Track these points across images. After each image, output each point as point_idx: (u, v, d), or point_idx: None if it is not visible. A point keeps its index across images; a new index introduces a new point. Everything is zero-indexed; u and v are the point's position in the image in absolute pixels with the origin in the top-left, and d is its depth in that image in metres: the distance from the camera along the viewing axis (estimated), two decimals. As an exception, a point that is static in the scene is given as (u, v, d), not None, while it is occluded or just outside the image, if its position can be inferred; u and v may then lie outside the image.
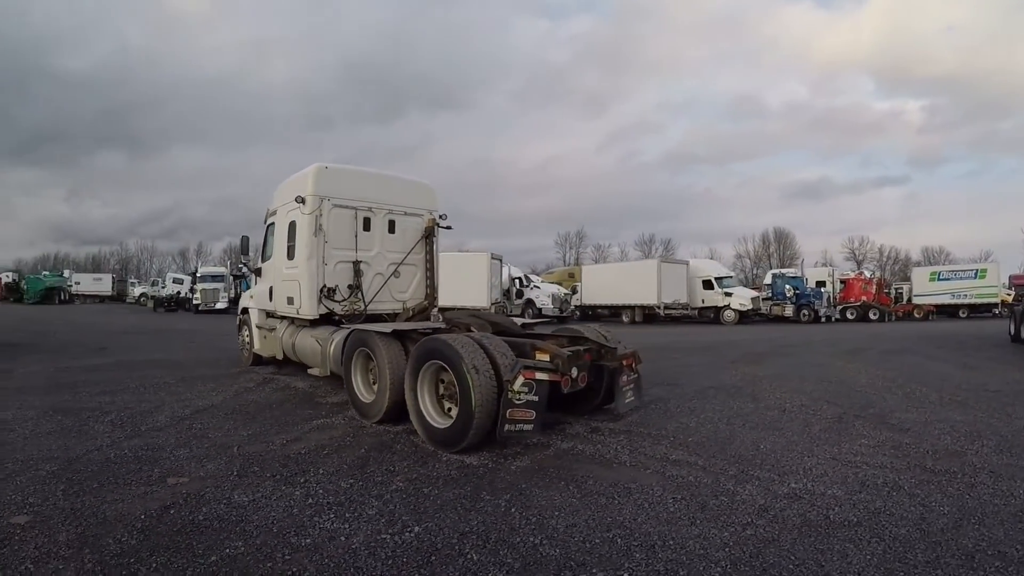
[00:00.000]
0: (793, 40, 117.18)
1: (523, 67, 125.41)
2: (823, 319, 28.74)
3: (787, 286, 29.87)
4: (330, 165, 7.90)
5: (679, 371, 9.63)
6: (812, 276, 32.64)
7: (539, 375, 4.59)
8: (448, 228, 9.07)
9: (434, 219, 8.75)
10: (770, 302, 30.26)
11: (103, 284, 56.39)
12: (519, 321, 7.23)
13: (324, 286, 7.69)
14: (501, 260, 26.58)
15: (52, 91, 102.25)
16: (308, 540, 3.17)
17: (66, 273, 52.99)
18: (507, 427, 4.37)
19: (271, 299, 8.84)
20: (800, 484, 3.95)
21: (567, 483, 3.98)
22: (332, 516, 3.51)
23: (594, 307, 31.10)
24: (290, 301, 8.12)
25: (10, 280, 47.10)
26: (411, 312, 8.07)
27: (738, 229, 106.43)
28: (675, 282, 27.96)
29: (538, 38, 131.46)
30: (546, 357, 4.89)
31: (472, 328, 6.04)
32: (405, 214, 8.58)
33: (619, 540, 3.06)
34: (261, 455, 4.85)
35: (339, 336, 6.87)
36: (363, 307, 7.93)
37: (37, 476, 4.27)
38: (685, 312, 28.71)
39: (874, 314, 30.45)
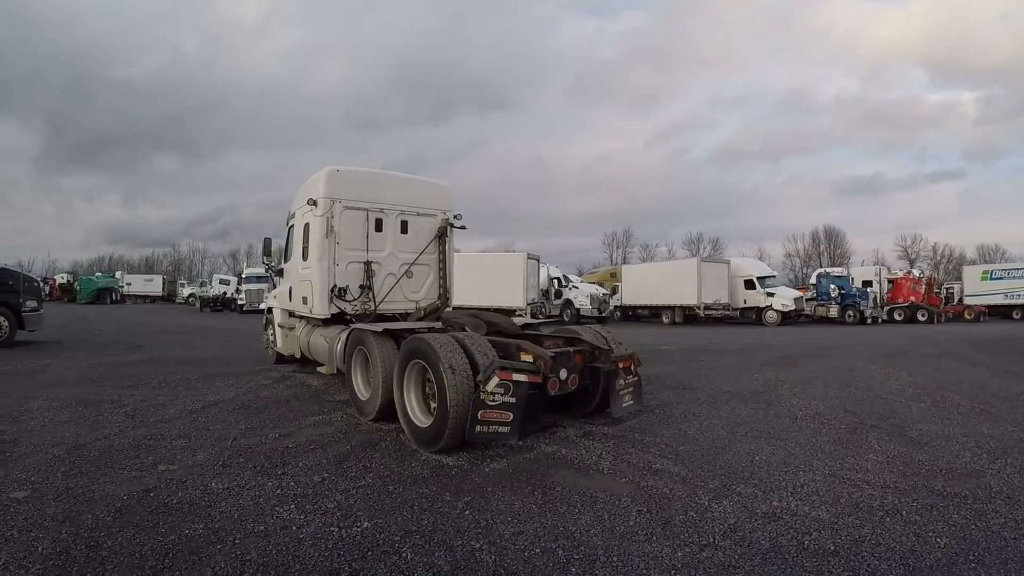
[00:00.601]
0: (842, 32, 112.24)
1: (573, 66, 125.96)
2: (868, 320, 27.44)
3: (832, 286, 28.68)
4: (342, 168, 8.12)
5: (701, 374, 9.32)
6: (859, 275, 31.31)
7: (517, 376, 4.52)
8: (462, 228, 9.13)
9: (447, 219, 8.83)
10: (814, 303, 29.16)
11: (154, 285, 59.70)
12: (519, 321, 7.21)
13: (335, 286, 7.90)
14: (539, 260, 26.55)
15: (111, 99, 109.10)
16: (262, 527, 3.32)
17: (118, 274, 56.31)
18: (478, 428, 4.34)
19: (291, 299, 9.18)
20: (783, 503, 3.71)
21: (534, 488, 3.93)
22: (293, 507, 3.62)
23: (634, 307, 30.74)
24: (304, 301, 8.41)
25: (64, 281, 50.39)
26: (423, 312, 8.18)
27: (789, 227, 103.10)
28: (716, 282, 27.24)
29: (587, 36, 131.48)
30: (529, 358, 4.85)
31: (466, 328, 6.06)
32: (418, 214, 8.69)
33: (560, 552, 2.98)
34: (251, 448, 5.05)
35: (344, 335, 7.06)
36: (373, 307, 8.10)
37: (44, 458, 4.63)
38: (726, 313, 27.88)
39: (922, 315, 28.82)
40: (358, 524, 3.32)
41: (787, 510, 3.64)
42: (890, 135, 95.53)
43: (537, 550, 3.01)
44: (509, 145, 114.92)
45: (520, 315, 28.65)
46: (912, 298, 29.78)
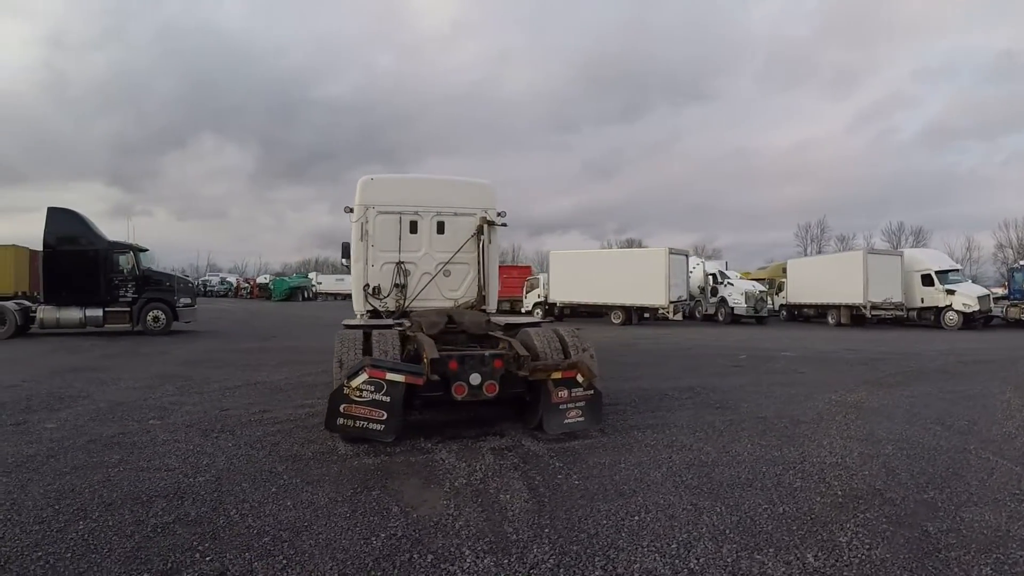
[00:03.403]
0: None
1: (763, 48, 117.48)
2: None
3: (1030, 282, 22.26)
4: (376, 176, 9.01)
5: (759, 391, 8.09)
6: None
7: (391, 376, 4.59)
8: (504, 225, 9.30)
9: (484, 217, 9.06)
10: (1006, 302, 23.35)
11: (344, 284, 69.87)
12: (503, 320, 7.15)
13: (367, 284, 8.74)
14: (687, 255, 25.35)
15: (316, 117, 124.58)
16: (158, 460, 4.56)
17: (311, 275, 66.59)
18: (340, 420, 4.62)
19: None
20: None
21: (340, 485, 4.06)
22: (189, 448, 4.58)
23: (799, 306, 27.63)
24: (350, 299, 9.47)
25: (265, 282, 61.09)
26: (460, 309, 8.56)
27: (1008, 214, 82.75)
28: (886, 277, 23.10)
29: (775, 15, 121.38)
30: (427, 360, 4.91)
31: (423, 325, 6.27)
32: (455, 214, 9.10)
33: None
34: (227, 416, 6.27)
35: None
36: (403, 304, 8.75)
37: (88, 409, 6.45)
38: (897, 313, 23.39)
39: None
40: (200, 475, 4.27)
41: None
42: None
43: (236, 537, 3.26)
44: (704, 137, 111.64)
45: (531, 313, 27.60)
46: None
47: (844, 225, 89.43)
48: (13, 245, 16.32)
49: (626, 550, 3.08)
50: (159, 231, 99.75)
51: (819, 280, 25.81)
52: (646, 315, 23.66)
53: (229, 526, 3.28)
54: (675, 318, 22.69)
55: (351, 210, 8.65)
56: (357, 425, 4.59)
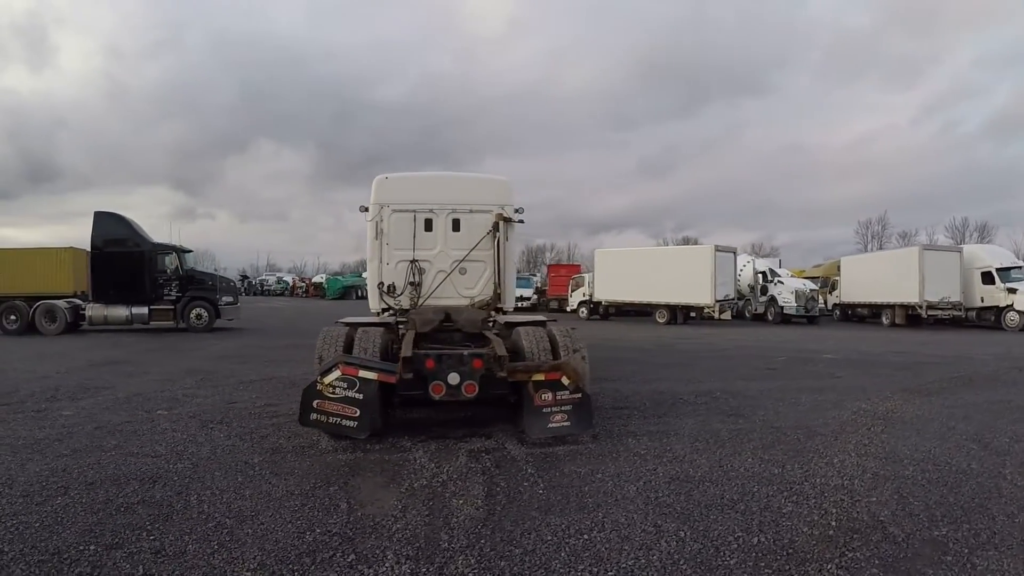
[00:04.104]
0: None
1: (822, 39, 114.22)
2: None
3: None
4: (390, 176, 9.24)
5: (783, 398, 7.65)
6: None
7: (364, 373, 4.70)
8: (521, 222, 9.30)
9: (500, 214, 9.10)
10: None
11: (395, 282, 71.65)
12: (505, 319, 7.17)
13: (382, 283, 8.95)
14: (734, 252, 24.62)
15: (371, 120, 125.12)
16: (149, 447, 4.81)
17: (363, 274, 68.51)
18: (313, 416, 4.76)
19: None
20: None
21: (304, 478, 4.15)
22: (182, 437, 4.86)
23: (853, 305, 26.43)
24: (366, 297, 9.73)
25: (320, 281, 63.14)
26: (475, 307, 8.66)
27: None
28: (943, 275, 21.85)
29: (834, 5, 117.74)
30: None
31: (416, 322, 6.37)
32: (471, 212, 9.17)
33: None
34: (232, 408, 6.61)
35: None
36: (416, 302, 8.90)
37: (107, 399, 7.00)
38: (956, 313, 22.01)
39: None
40: (180, 462, 4.56)
41: None
42: None
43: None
44: (763, 133, 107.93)
45: (574, 312, 27.90)
46: None
47: (906, 222, 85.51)
48: (71, 247, 17.67)
49: (557, 572, 2.87)
50: (222, 233, 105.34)
51: (873, 278, 24.61)
52: (692, 314, 23.17)
53: (184, 510, 3.49)
54: (723, 318, 22.13)
55: (366, 209, 8.86)
56: (330, 421, 4.69)
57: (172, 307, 17.07)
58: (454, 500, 3.81)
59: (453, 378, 4.97)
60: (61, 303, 16.74)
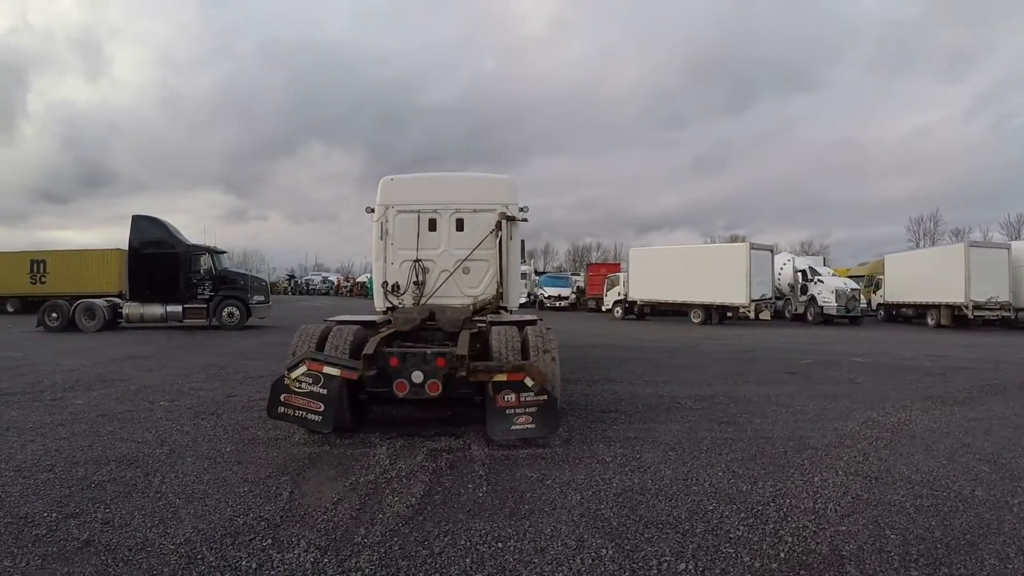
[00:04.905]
0: None
1: (872, 32, 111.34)
2: None
3: None
4: (396, 176, 9.64)
5: (778, 404, 7.34)
6: None
7: (328, 369, 4.93)
8: (525, 220, 9.49)
9: (503, 212, 9.31)
10: None
11: (434, 281, 73.07)
12: (492, 318, 7.35)
13: (386, 282, 9.33)
14: (772, 251, 24.27)
15: (421, 122, 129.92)
16: (140, 435, 5.18)
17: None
18: (280, 409, 5.07)
19: None
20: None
21: (263, 467, 4.47)
22: (153, 435, 5.35)
23: (897, 305, 25.67)
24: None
25: (364, 280, 64.66)
26: (477, 306, 8.93)
27: None
28: (991, 273, 21.05)
29: None
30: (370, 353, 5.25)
31: (398, 321, 6.64)
32: (475, 211, 9.41)
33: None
34: (229, 401, 7.12)
35: None
36: (419, 301, 9.21)
37: (118, 390, 7.64)
38: (1004, 314, 21.08)
39: None
40: (160, 447, 5.03)
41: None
42: None
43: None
44: (815, 128, 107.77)
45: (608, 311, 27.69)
46: None
47: (960, 218, 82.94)
48: (117, 248, 18.97)
49: (450, 579, 2.89)
50: (274, 234, 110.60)
51: (918, 277, 23.86)
52: (728, 314, 22.83)
53: (145, 489, 3.90)
54: (762, 318, 21.80)
55: (372, 210, 9.23)
56: (296, 415, 4.97)
57: (205, 305, 18.19)
58: (390, 498, 3.92)
59: (416, 376, 5.11)
60: (100, 301, 18.13)
